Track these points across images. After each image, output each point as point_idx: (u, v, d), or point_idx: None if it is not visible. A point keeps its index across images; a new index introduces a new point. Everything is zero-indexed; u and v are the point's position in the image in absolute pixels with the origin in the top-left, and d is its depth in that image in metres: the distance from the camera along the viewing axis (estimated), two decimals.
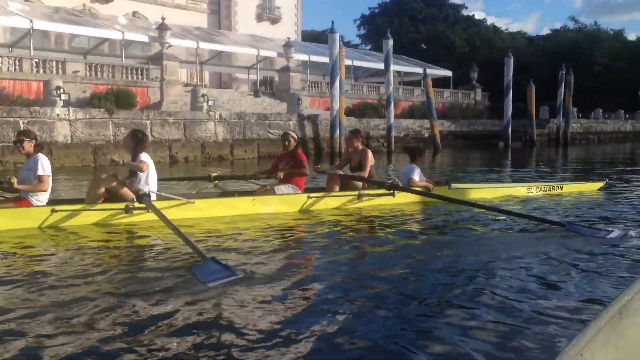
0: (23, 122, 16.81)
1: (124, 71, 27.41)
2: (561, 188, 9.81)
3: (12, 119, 16.85)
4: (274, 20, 51.50)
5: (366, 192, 8.31)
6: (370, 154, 8.64)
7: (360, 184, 8.44)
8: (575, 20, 77.74)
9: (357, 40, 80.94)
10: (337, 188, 8.34)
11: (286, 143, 8.30)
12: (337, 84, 24.91)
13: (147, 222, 6.67)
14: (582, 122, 44.33)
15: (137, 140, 7.23)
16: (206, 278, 4.28)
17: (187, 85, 33.31)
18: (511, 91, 34.75)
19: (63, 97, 18.51)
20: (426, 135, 31.45)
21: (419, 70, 49.18)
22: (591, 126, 44.71)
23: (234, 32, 46.45)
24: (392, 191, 8.18)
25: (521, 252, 5.48)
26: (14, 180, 6.39)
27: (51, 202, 6.72)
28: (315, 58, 38.49)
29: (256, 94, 34.67)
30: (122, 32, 30.48)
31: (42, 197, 6.65)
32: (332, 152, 24.04)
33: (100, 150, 18.04)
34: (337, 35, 25.42)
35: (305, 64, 39.41)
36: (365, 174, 8.45)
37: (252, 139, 21.71)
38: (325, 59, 42.77)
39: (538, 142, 36.49)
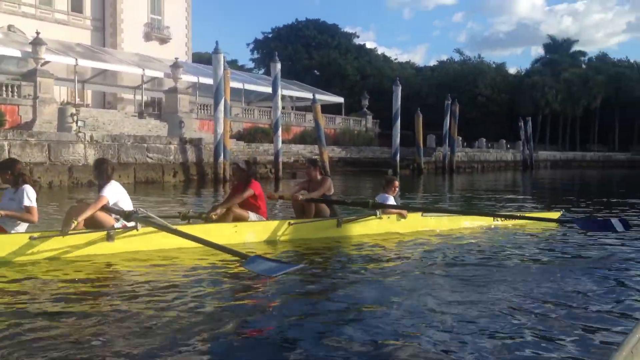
0: None
1: None
2: (523, 218, 9.90)
3: None
4: (163, 40, 49.80)
5: (350, 218, 8.28)
6: (330, 182, 8.51)
7: (328, 210, 8.32)
8: (461, 53, 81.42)
9: (251, 64, 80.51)
10: (312, 212, 8.13)
11: (237, 174, 8.09)
12: (221, 106, 23.92)
13: (132, 248, 6.60)
14: (466, 151, 45.77)
15: (97, 171, 7.07)
16: (266, 272, 4.87)
17: (67, 104, 31.19)
18: (399, 119, 35.21)
19: None
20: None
21: (311, 95, 49.27)
22: (475, 155, 46.23)
23: (119, 50, 44.46)
24: (374, 210, 8.20)
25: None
26: (1, 212, 6.16)
27: (28, 230, 6.45)
28: (206, 80, 37.25)
29: (141, 115, 33.03)
30: None
31: (21, 227, 6.45)
32: (215, 177, 22.92)
33: None
34: (222, 56, 24.51)
35: (195, 86, 38.21)
36: (319, 194, 8.25)
37: (127, 163, 20.13)
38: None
39: (425, 169, 37.10)
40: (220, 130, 23.50)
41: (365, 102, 51.26)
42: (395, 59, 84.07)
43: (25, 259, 6.08)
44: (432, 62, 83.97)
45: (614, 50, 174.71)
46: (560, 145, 72.94)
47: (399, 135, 35.13)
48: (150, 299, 4.78)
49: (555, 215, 10.08)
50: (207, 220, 7.50)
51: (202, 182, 22.22)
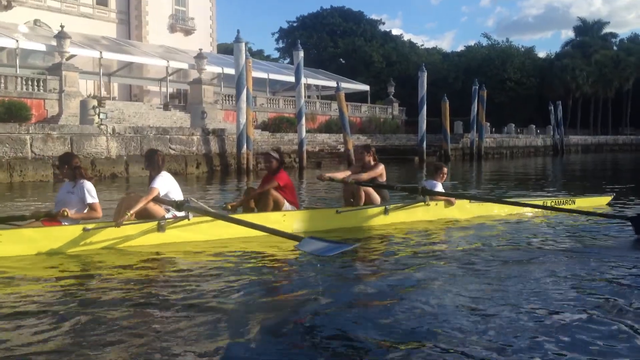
0: None
1: (17, 82, 25.37)
2: (573, 202, 9.95)
3: None
4: (188, 32, 49.89)
5: (396, 204, 8.31)
6: (383, 168, 8.44)
7: (378, 197, 8.28)
8: (488, 37, 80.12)
9: (276, 54, 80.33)
10: (362, 199, 8.13)
11: (267, 165, 8.02)
12: (243, 96, 23.67)
13: (183, 238, 6.70)
14: (495, 137, 44.95)
15: (148, 162, 7.11)
16: (320, 251, 4.78)
17: (93, 97, 31.39)
18: (425, 106, 34.63)
19: None
20: (342, 150, 30.73)
21: (336, 84, 48.91)
22: (504, 141, 45.41)
23: (144, 42, 44.63)
24: (424, 196, 8.27)
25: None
26: (67, 212, 6.25)
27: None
28: (230, 70, 36.97)
29: (166, 107, 33.07)
30: (17, 41, 28.43)
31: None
32: (239, 168, 22.72)
33: None
34: (243, 45, 24.25)
35: (219, 77, 38.17)
36: (365, 176, 8.23)
37: None
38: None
39: (453, 156, 36.55)
40: (243, 120, 23.30)
41: (391, 90, 50.75)
42: (422, 45, 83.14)
43: (79, 250, 6.23)
44: (460, 48, 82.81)
45: None
46: (592, 129, 71.47)
47: (425, 122, 34.56)
48: (201, 287, 4.90)
49: (605, 200, 10.32)
50: (226, 209, 7.62)
51: (225, 173, 22.06)
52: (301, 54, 27.22)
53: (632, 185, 16.81)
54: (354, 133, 36.45)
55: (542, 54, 79.83)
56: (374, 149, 8.95)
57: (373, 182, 8.25)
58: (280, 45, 79.70)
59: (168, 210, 6.82)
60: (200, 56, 34.27)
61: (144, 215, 6.67)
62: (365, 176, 8.23)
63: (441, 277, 5.21)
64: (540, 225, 8.30)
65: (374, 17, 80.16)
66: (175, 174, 20.76)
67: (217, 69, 37.70)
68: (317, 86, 47.76)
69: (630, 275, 5.35)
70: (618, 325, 3.90)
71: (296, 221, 7.51)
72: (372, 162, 8.51)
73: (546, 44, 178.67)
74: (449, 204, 8.57)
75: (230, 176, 21.08)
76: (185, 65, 36.52)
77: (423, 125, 34.37)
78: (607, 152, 55.91)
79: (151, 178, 6.99)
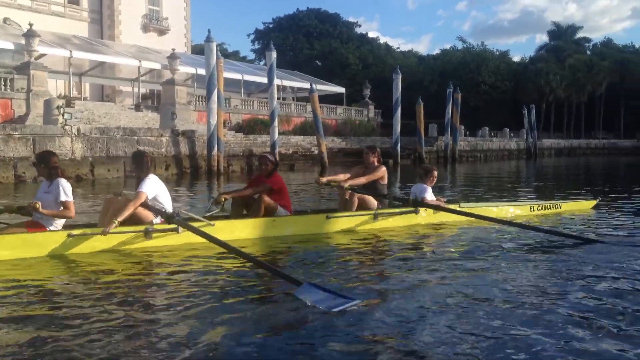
0: None
1: None
2: (559, 207, 9.98)
3: None
4: (162, 32, 49.37)
5: (386, 210, 8.25)
6: (385, 171, 8.42)
7: (375, 202, 8.23)
8: (463, 41, 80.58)
9: (252, 55, 79.95)
10: (355, 205, 8.11)
11: (263, 167, 7.87)
12: (214, 96, 23.30)
13: (172, 246, 6.50)
14: (469, 140, 45.12)
15: (136, 164, 6.96)
16: (320, 304, 4.29)
17: (63, 97, 30.80)
18: (399, 108, 34.62)
19: None
20: (316, 152, 30.53)
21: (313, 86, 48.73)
22: (478, 144, 45.59)
23: (117, 42, 44.02)
24: (415, 208, 8.22)
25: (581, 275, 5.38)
26: (39, 205, 6.06)
27: (66, 226, 6.41)
28: (204, 71, 36.72)
29: (137, 107, 32.62)
30: None
31: (59, 222, 6.39)
32: (209, 170, 22.37)
33: None
34: (215, 45, 23.89)
35: (193, 77, 37.75)
36: (363, 179, 8.20)
37: (117, 157, 19.60)
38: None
39: (427, 159, 36.53)
40: (214, 121, 22.94)
41: (367, 92, 50.75)
42: (397, 48, 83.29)
43: (63, 256, 6.07)
44: (436, 52, 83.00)
45: (620, 36, 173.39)
46: (565, 132, 72.21)
47: (399, 124, 34.53)
48: (188, 296, 4.71)
49: (590, 204, 10.49)
50: (217, 202, 7.45)
51: (195, 175, 21.70)
52: (274, 54, 26.95)
53: (607, 189, 16.81)
54: (329, 135, 36.30)
55: (517, 58, 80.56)
56: (379, 150, 8.90)
57: (369, 190, 8.23)
58: (256, 46, 79.36)
59: (156, 216, 6.66)
60: (173, 56, 33.83)
61: (132, 221, 6.48)
62: (363, 179, 8.21)
63: (422, 283, 5.17)
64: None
65: (350, 19, 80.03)
66: None
67: (191, 70, 37.31)
68: (292, 88, 47.58)
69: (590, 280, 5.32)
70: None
71: (286, 226, 7.47)
72: (376, 164, 8.46)
73: (521, 48, 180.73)
74: (439, 210, 8.48)
75: (200, 178, 20.74)
76: (158, 66, 36.09)
77: (397, 128, 34.32)
78: (580, 156, 56.47)
79: (139, 181, 6.78)
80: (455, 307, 4.35)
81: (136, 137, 20.49)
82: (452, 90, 39.28)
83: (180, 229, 6.49)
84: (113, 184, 17.21)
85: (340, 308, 4.25)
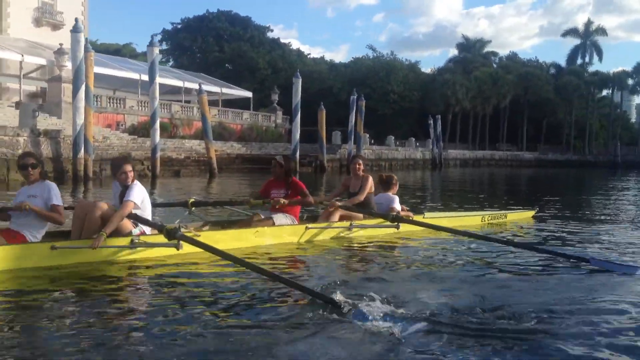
0: None
1: None
2: (505, 217, 10.63)
3: None
4: (56, 26, 46.25)
5: (367, 222, 8.34)
6: (371, 181, 8.44)
7: (360, 215, 8.31)
8: (373, 49, 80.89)
9: (159, 56, 77.23)
10: (337, 218, 8.15)
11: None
12: (81, 93, 21.17)
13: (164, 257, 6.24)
14: (374, 149, 44.76)
15: (113, 169, 6.55)
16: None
17: None
18: (299, 113, 33.50)
19: None
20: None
21: (218, 89, 47.16)
22: (383, 153, 45.30)
23: (5, 35, 40.82)
24: (395, 223, 8.20)
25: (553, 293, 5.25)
26: (29, 205, 5.86)
27: (47, 235, 6.21)
28: (101, 70, 34.49)
29: (17, 105, 30.02)
30: None
31: (40, 232, 6.14)
32: (75, 175, 20.30)
33: None
34: (82, 35, 21.74)
35: None
36: (362, 197, 8.30)
37: None
38: (116, 72, 39.12)
39: (329, 167, 35.72)
40: (80, 121, 20.78)
41: (275, 97, 49.68)
42: (309, 54, 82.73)
43: (45, 269, 5.67)
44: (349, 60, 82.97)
45: (528, 53, 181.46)
46: (470, 143, 73.73)
47: (299, 130, 33.34)
48: (180, 308, 4.53)
49: (530, 213, 11.28)
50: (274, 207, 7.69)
51: (60, 180, 19.65)
52: (156, 50, 25.19)
53: (512, 201, 16.95)
54: (232, 140, 34.91)
55: (428, 70, 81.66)
56: (365, 158, 9.08)
57: (363, 204, 8.34)
58: (164, 47, 76.65)
59: (136, 225, 6.33)
60: (60, 52, 31.37)
61: (114, 231, 6.14)
62: (361, 197, 8.28)
63: (388, 289, 5.10)
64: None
65: (262, 24, 78.77)
66: None
67: None
68: (197, 91, 45.78)
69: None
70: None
71: (267, 237, 7.46)
72: (362, 173, 8.50)
73: (434, 60, 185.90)
74: (419, 225, 8.55)
75: (66, 183, 18.74)
76: (43, 61, 33.50)
77: (297, 135, 33.14)
78: (484, 167, 57.53)
79: (124, 189, 6.41)
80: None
81: None
82: (355, 97, 38.57)
83: (182, 245, 6.06)
84: None
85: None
